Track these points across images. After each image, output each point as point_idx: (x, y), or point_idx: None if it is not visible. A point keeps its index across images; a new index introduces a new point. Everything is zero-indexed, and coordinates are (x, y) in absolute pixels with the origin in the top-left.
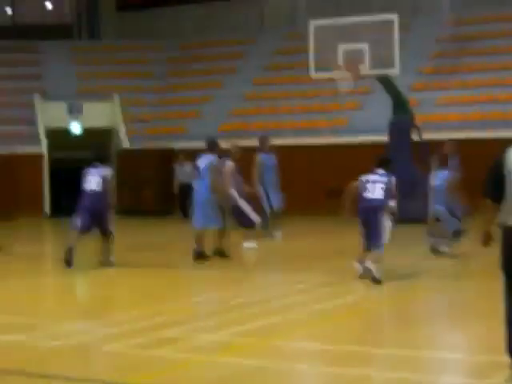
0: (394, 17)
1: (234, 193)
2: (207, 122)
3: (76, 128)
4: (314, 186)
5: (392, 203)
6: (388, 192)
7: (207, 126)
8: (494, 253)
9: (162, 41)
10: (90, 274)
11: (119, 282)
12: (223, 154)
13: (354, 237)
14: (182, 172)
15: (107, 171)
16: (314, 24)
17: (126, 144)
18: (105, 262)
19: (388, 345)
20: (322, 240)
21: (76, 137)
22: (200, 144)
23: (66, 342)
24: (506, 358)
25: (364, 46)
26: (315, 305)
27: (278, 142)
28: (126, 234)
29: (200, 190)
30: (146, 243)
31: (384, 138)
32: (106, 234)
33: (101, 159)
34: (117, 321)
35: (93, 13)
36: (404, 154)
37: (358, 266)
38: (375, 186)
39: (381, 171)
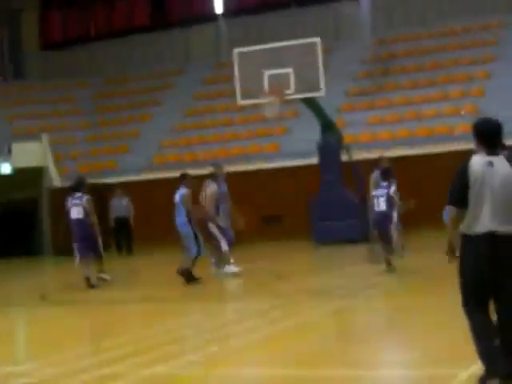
0: (316, 40)
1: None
2: (138, 155)
3: (6, 169)
4: (249, 212)
5: None
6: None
7: (138, 159)
8: (425, 266)
9: (86, 78)
10: (30, 314)
11: (61, 320)
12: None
13: (293, 260)
14: (119, 206)
15: (85, 198)
16: (237, 52)
17: (57, 183)
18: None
19: (336, 365)
20: (268, 264)
21: (6, 177)
22: (131, 178)
23: None
24: (450, 371)
25: (289, 71)
26: (260, 330)
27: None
28: (62, 272)
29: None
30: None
31: (314, 160)
32: (96, 255)
33: (78, 188)
34: (61, 360)
35: (17, 53)
36: (334, 176)
37: None
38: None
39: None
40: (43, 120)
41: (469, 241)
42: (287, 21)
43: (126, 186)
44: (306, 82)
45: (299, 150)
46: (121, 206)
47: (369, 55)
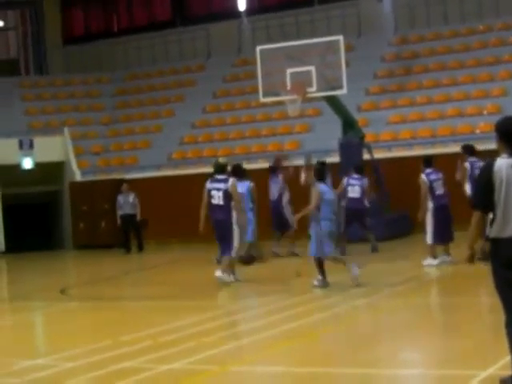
0: (339, 38)
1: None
2: (158, 151)
3: (28, 163)
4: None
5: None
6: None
7: (158, 155)
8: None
9: (109, 73)
10: (50, 308)
11: (80, 314)
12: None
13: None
14: (126, 202)
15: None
16: (260, 49)
17: (78, 177)
18: None
19: (350, 364)
20: (287, 261)
21: (28, 172)
22: (151, 173)
23: (26, 378)
24: (469, 372)
25: (311, 68)
26: (277, 327)
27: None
28: (82, 266)
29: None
30: (104, 276)
31: (335, 158)
32: None
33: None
34: (77, 355)
35: (39, 47)
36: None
37: None
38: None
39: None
40: (65, 115)
41: (499, 244)
42: (309, 18)
43: (146, 182)
44: (328, 79)
45: (321, 148)
46: (127, 202)
47: (391, 54)
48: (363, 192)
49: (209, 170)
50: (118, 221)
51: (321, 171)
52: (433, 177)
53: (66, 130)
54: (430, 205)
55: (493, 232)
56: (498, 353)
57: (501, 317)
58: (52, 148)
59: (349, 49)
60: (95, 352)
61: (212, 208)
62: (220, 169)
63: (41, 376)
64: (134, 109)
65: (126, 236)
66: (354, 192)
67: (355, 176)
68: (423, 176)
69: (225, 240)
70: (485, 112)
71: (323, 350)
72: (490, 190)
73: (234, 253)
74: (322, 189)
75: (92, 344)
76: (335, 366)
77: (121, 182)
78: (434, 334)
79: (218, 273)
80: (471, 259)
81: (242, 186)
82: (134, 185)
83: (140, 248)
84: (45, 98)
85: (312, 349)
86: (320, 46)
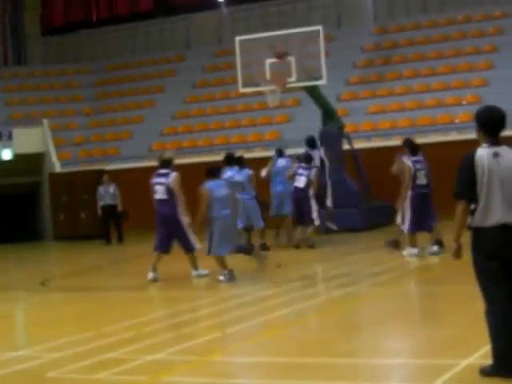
0: (319, 28)
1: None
2: (139, 142)
3: (7, 155)
4: None
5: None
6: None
7: (139, 146)
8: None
9: (89, 63)
10: (30, 299)
11: (61, 305)
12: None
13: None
14: (106, 193)
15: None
16: (240, 40)
17: (57, 168)
18: None
19: (328, 354)
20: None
21: (7, 163)
22: (132, 164)
23: (10, 369)
24: (451, 360)
25: (291, 59)
26: (257, 318)
27: (209, 158)
28: (62, 258)
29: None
30: (84, 267)
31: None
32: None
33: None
34: (59, 346)
35: (18, 38)
36: (336, 164)
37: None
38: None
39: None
40: (44, 106)
41: (481, 234)
42: (289, 8)
43: (127, 173)
44: (308, 70)
45: (300, 138)
46: (108, 193)
47: (370, 44)
48: (308, 182)
49: (189, 160)
50: (99, 211)
51: (210, 170)
52: (418, 166)
53: (45, 121)
54: (410, 193)
55: (475, 221)
56: (479, 342)
57: (481, 306)
58: (31, 139)
59: (329, 39)
60: (78, 343)
61: (156, 202)
62: (164, 162)
63: (24, 367)
64: (114, 99)
65: (107, 227)
66: (299, 182)
67: (303, 165)
68: (408, 162)
69: (178, 236)
70: (464, 102)
71: (303, 340)
72: (473, 179)
73: (197, 245)
74: (211, 187)
75: (74, 335)
76: (313, 356)
77: (101, 173)
78: (415, 322)
79: (194, 273)
80: (458, 253)
81: (241, 174)
82: (115, 176)
83: (120, 239)
84: (24, 88)
85: (292, 339)
86: (300, 36)
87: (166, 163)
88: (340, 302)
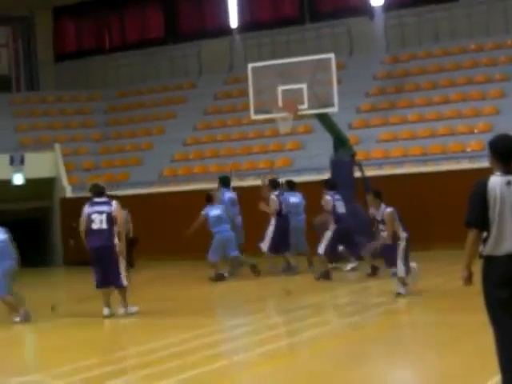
0: (331, 56)
1: None
2: (149, 168)
3: (18, 179)
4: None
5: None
6: None
7: (149, 172)
8: (436, 285)
9: (100, 90)
10: (35, 327)
11: (70, 331)
12: None
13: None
14: None
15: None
16: (252, 67)
17: (68, 193)
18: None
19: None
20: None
21: (19, 188)
22: (142, 190)
23: None
24: None
25: (302, 86)
26: (261, 347)
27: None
28: (72, 284)
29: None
30: (93, 293)
31: (326, 176)
32: None
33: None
34: (64, 372)
35: (30, 64)
36: (347, 192)
37: None
38: None
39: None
40: (56, 131)
41: (493, 262)
42: (301, 36)
43: (137, 199)
44: (320, 97)
45: (312, 165)
46: None
47: (382, 72)
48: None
49: (201, 186)
50: None
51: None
52: (336, 197)
53: (56, 145)
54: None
55: (486, 250)
56: (487, 372)
57: (491, 336)
58: (43, 164)
59: (340, 67)
60: (82, 370)
61: (92, 233)
62: (100, 191)
63: None
64: (125, 126)
65: None
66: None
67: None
68: (328, 197)
69: (111, 267)
70: (476, 130)
71: (310, 370)
72: (485, 207)
73: (125, 282)
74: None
75: (79, 361)
76: None
77: (111, 198)
78: (424, 352)
79: (121, 310)
80: (469, 280)
81: (296, 197)
82: (125, 201)
83: (131, 265)
84: (36, 114)
85: (299, 368)
86: (311, 64)
87: (102, 192)
88: (348, 330)
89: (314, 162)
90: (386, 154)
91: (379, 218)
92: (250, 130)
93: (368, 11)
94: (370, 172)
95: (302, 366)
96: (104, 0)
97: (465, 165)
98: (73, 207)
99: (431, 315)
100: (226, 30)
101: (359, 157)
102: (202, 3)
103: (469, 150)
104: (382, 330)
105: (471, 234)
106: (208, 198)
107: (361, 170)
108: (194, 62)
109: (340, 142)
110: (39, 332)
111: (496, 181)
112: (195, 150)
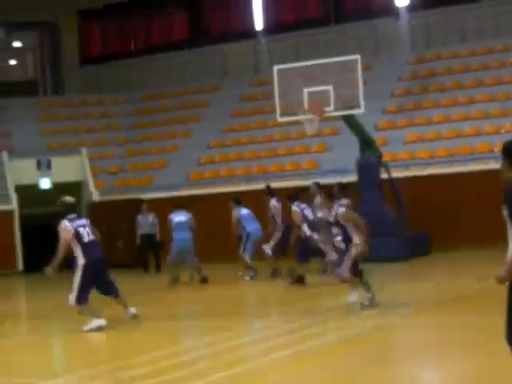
0: (356, 57)
1: None
2: (174, 171)
3: (46, 183)
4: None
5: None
6: None
7: (175, 175)
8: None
9: (125, 93)
10: (63, 328)
11: (91, 335)
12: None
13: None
14: (145, 222)
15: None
16: (277, 69)
17: (95, 197)
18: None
19: None
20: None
21: (46, 192)
22: (168, 193)
23: None
24: None
25: (328, 88)
26: (284, 350)
27: (246, 187)
28: None
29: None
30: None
31: (353, 177)
32: None
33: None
34: (94, 375)
35: (56, 68)
36: (374, 193)
37: None
38: None
39: None
40: (81, 135)
41: None
42: (326, 37)
43: (162, 202)
44: (345, 99)
45: (338, 167)
46: (147, 222)
47: (408, 72)
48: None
49: (226, 189)
50: (138, 240)
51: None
52: (302, 206)
53: (83, 149)
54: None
55: None
56: None
57: None
58: (69, 168)
59: (366, 68)
60: (113, 371)
61: (88, 246)
62: (74, 207)
63: None
64: (149, 129)
65: (145, 256)
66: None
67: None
68: (296, 208)
69: (109, 279)
70: (503, 130)
71: (336, 371)
72: None
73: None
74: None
75: (108, 364)
76: None
77: (138, 201)
78: (450, 354)
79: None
80: (505, 279)
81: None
82: (151, 205)
83: (158, 268)
84: (61, 118)
85: (325, 370)
86: (337, 66)
87: (75, 207)
88: (377, 331)
89: (340, 164)
90: (412, 155)
91: (332, 220)
92: (276, 132)
93: (393, 12)
94: (396, 173)
95: (328, 367)
96: (128, 3)
97: (492, 165)
98: (99, 211)
99: (458, 317)
100: (250, 33)
101: (386, 158)
102: (226, 6)
103: (496, 150)
104: (409, 331)
105: None
106: (236, 200)
107: (387, 171)
108: (218, 65)
109: (366, 144)
110: (67, 334)
111: None
112: (220, 153)
